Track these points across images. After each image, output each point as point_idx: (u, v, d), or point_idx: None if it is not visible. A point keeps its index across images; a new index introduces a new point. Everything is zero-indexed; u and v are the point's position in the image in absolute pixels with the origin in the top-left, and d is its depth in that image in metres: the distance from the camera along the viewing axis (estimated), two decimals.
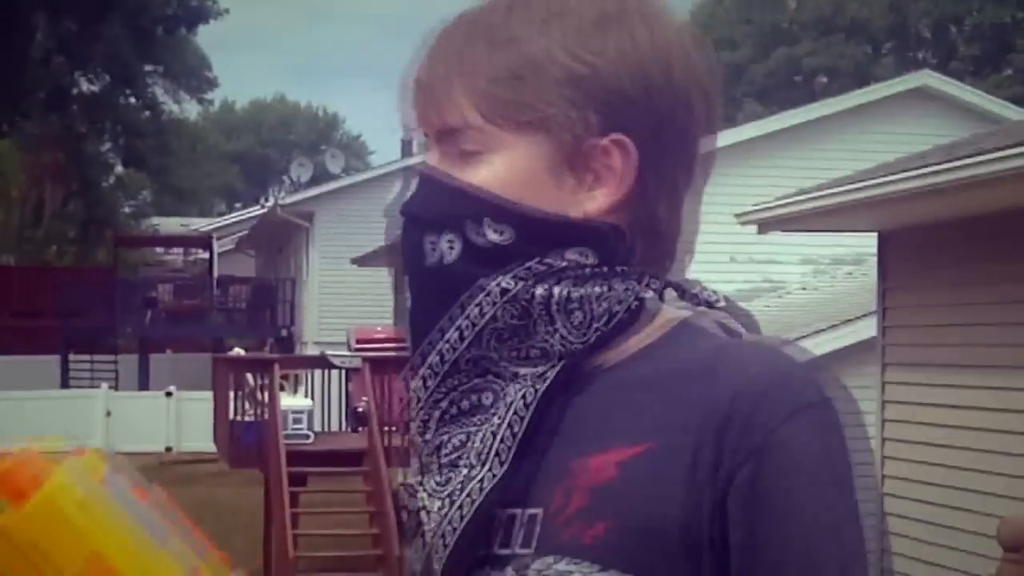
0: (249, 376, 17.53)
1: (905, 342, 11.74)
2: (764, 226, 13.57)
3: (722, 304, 1.48)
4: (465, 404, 1.44)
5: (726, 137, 20.56)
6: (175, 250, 42.93)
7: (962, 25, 53.36)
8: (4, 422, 23.75)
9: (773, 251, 18.99)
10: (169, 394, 29.47)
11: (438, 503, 1.42)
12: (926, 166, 9.84)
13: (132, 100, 37.82)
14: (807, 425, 1.33)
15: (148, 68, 37.12)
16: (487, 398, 1.43)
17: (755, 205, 13.56)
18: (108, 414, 29.22)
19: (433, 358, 1.44)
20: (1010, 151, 8.85)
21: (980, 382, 10.38)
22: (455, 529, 1.41)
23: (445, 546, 1.41)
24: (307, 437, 16.90)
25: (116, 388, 31.50)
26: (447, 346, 1.43)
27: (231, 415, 17.39)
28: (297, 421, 16.84)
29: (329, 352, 19.56)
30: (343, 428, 19.24)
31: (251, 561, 15.55)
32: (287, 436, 15.83)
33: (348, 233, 29.97)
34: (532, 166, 1.41)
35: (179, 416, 28.92)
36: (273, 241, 37.34)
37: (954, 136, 15.16)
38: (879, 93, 20.89)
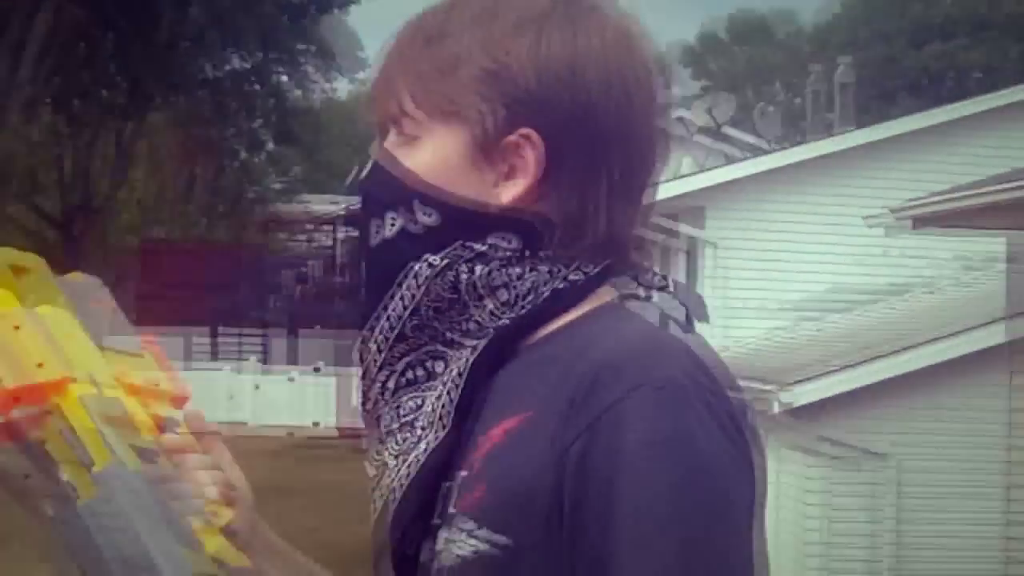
0: None
1: None
2: (919, 222, 13.30)
3: (669, 288, 1.56)
4: (420, 371, 1.55)
5: (879, 131, 20.19)
6: (326, 227, 43.32)
7: None
8: None
9: (927, 246, 18.60)
10: (317, 370, 29.70)
11: (392, 460, 1.55)
12: None
13: (284, 78, 38.18)
14: (640, 404, 1.34)
15: (300, 46, 37.37)
16: (439, 366, 1.54)
17: (910, 201, 13.27)
18: (256, 388, 29.52)
19: (382, 323, 1.55)
20: None
21: None
22: (402, 486, 1.52)
23: (394, 500, 1.53)
24: None
25: (265, 363, 31.83)
26: (394, 315, 1.54)
27: None
28: None
29: None
30: None
31: None
32: None
33: None
34: (453, 155, 1.51)
35: (327, 392, 29.12)
36: None
37: None
38: None
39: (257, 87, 36.91)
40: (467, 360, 1.51)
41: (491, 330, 1.51)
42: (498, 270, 1.50)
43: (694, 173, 21.45)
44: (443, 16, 1.54)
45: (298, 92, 39.92)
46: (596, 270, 1.52)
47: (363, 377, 1.58)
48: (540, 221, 1.50)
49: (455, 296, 1.51)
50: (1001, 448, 15.23)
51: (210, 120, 35.79)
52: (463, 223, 1.51)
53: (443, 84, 1.50)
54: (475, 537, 1.40)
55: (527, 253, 1.50)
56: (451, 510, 1.46)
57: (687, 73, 75.08)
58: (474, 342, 1.52)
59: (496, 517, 1.39)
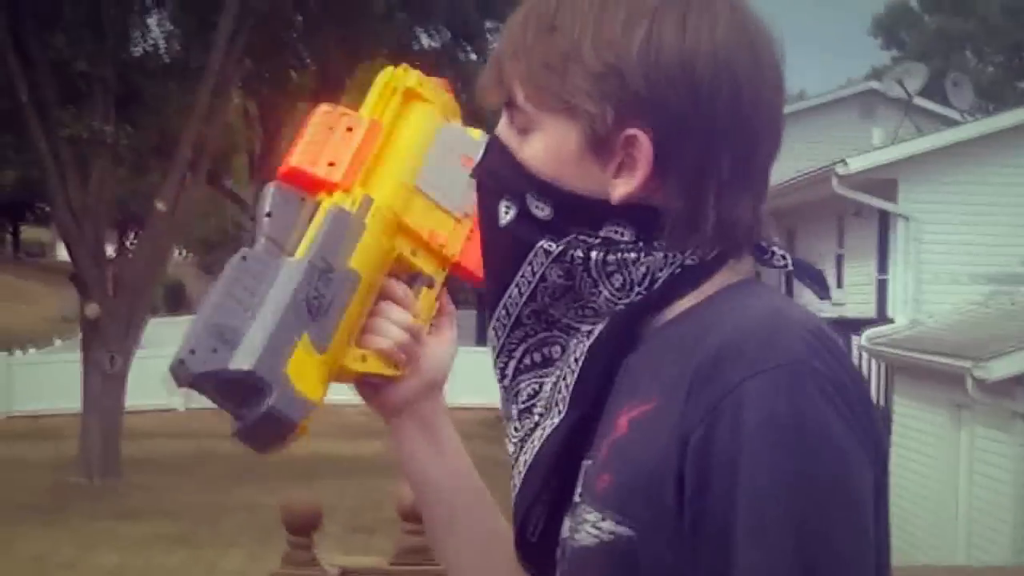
0: None
1: None
2: None
3: (790, 267, 1.55)
4: (537, 356, 1.57)
5: None
6: None
7: None
8: None
9: None
10: None
11: (511, 447, 1.57)
12: None
13: (472, 57, 38.38)
14: (757, 389, 1.32)
15: (489, 25, 37.55)
16: (556, 351, 1.55)
17: None
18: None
19: (500, 311, 1.57)
20: None
21: None
22: (521, 473, 1.55)
23: (514, 488, 1.55)
24: None
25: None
26: (509, 300, 1.56)
27: None
28: None
29: None
30: None
31: None
32: None
33: None
34: (564, 151, 1.49)
35: None
36: None
37: None
38: None
39: (446, 66, 37.18)
40: (584, 345, 1.52)
41: (607, 316, 1.51)
42: (613, 255, 1.48)
43: (886, 146, 21.16)
44: (554, 6, 1.50)
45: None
46: (713, 254, 1.49)
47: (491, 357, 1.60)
48: (652, 213, 1.48)
49: (570, 283, 1.50)
50: None
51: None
52: (576, 217, 1.50)
53: (553, 81, 1.48)
54: (598, 527, 1.40)
55: (641, 243, 1.48)
56: (576, 499, 1.47)
57: (876, 44, 74.05)
58: (589, 327, 1.52)
59: (621, 506, 1.38)
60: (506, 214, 1.53)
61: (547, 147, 1.50)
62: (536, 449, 1.53)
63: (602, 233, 1.49)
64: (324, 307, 1.59)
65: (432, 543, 1.78)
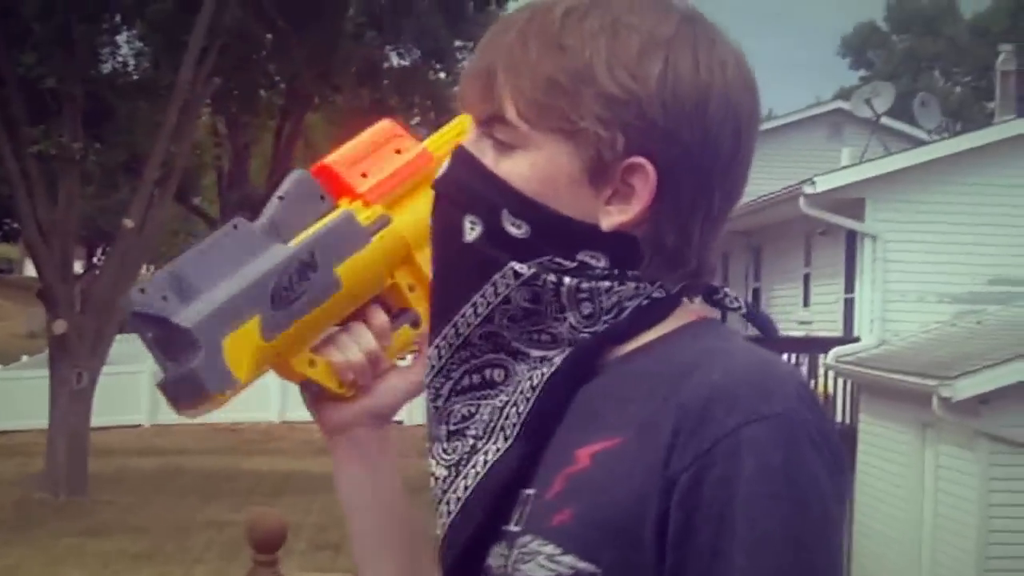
0: None
1: None
2: None
3: (742, 309, 1.56)
4: (476, 378, 1.51)
5: None
6: None
7: None
8: None
9: None
10: None
11: (443, 471, 1.52)
12: None
13: (442, 75, 38.37)
14: (753, 437, 1.32)
15: (458, 44, 37.56)
16: (498, 375, 1.50)
17: None
18: None
19: (448, 330, 1.51)
20: None
21: None
22: (459, 499, 1.49)
23: (449, 513, 1.50)
24: None
25: None
26: (462, 320, 1.50)
27: None
28: None
29: None
30: None
31: None
32: None
33: None
34: (555, 170, 1.45)
35: None
36: None
37: None
38: None
39: (415, 85, 37.15)
40: (543, 373, 1.47)
41: (567, 343, 1.47)
42: (587, 283, 1.45)
43: (853, 165, 21.25)
44: (558, 23, 1.46)
45: (456, 90, 39.96)
46: (677, 289, 1.49)
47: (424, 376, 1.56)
48: (632, 244, 1.46)
49: (535, 307, 1.46)
50: None
51: (368, 119, 36.08)
52: (555, 239, 1.46)
53: (559, 101, 1.44)
54: (556, 561, 1.37)
55: (616, 272, 1.46)
56: (511, 527, 1.44)
57: (845, 63, 74.34)
58: (543, 353, 1.48)
59: (586, 544, 1.35)
60: (472, 230, 1.48)
61: (536, 166, 1.45)
62: (480, 475, 1.49)
63: (579, 257, 1.46)
64: (289, 299, 1.58)
65: (357, 563, 1.74)
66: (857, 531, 18.75)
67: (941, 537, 16.42)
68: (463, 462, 1.51)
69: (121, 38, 27.12)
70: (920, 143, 23.99)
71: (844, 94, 42.76)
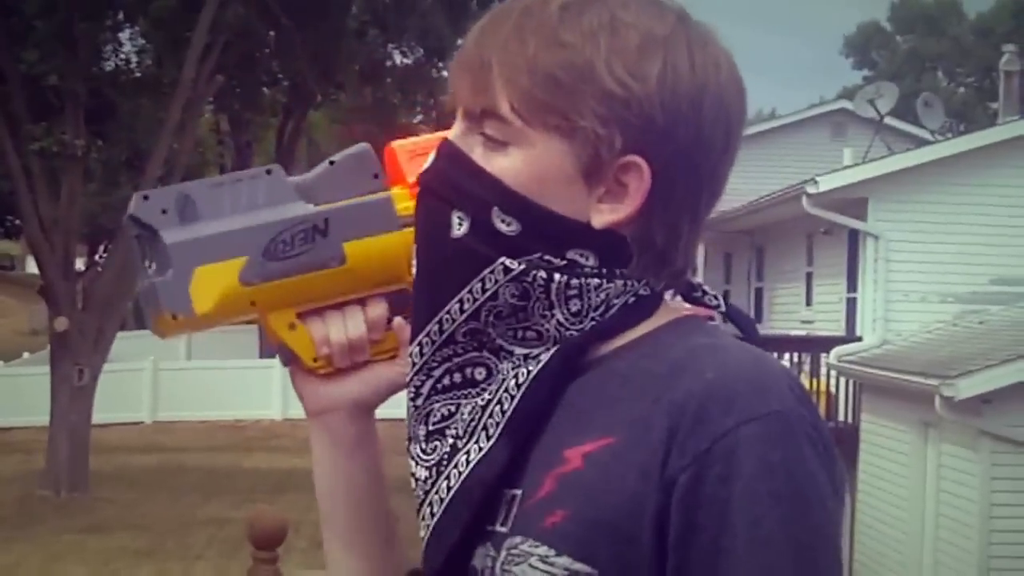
0: None
1: None
2: None
3: (721, 307, 1.55)
4: (458, 377, 1.49)
5: None
6: None
7: None
8: None
9: None
10: None
11: (424, 472, 1.50)
12: None
13: (445, 74, 38.42)
14: (752, 436, 1.32)
15: (461, 42, 37.59)
16: (480, 373, 1.49)
17: None
18: None
19: (432, 327, 1.49)
20: None
21: None
22: (442, 499, 1.47)
23: (432, 515, 1.48)
24: None
25: None
26: (447, 316, 1.48)
27: None
28: None
29: None
30: None
31: None
32: None
33: None
34: (548, 168, 1.43)
35: None
36: None
37: None
38: None
39: (418, 83, 37.18)
40: (528, 371, 1.46)
41: (553, 341, 1.46)
42: (577, 280, 1.44)
43: (856, 165, 21.25)
44: (556, 18, 1.43)
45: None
46: (662, 285, 1.48)
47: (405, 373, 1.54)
48: (621, 242, 1.45)
49: (523, 303, 1.45)
50: None
51: (371, 117, 36.10)
52: (545, 236, 1.44)
53: (556, 98, 1.42)
54: (550, 563, 1.36)
55: (604, 271, 1.45)
56: (497, 528, 1.43)
57: (848, 63, 74.33)
58: (527, 351, 1.47)
59: (580, 545, 1.35)
60: (459, 225, 1.46)
61: (529, 162, 1.43)
62: (463, 475, 1.47)
63: (568, 255, 1.44)
64: (284, 254, 1.56)
65: (325, 551, 1.71)
66: (859, 530, 18.75)
67: (943, 537, 16.41)
68: (445, 462, 1.49)
69: (124, 35, 27.21)
70: (923, 143, 23.97)
71: (847, 94, 42.77)
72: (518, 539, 1.39)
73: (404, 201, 1.63)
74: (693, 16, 1.49)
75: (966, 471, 15.71)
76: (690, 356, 1.40)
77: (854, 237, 20.26)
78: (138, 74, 26.88)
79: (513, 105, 1.43)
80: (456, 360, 1.49)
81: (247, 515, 8.83)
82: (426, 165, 1.51)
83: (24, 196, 22.76)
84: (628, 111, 1.42)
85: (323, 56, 28.48)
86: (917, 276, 19.50)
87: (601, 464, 1.37)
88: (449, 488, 1.47)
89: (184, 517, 20.39)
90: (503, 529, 1.42)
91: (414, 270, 1.52)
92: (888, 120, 26.47)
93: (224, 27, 23.87)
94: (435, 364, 1.50)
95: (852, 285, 20.49)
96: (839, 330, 20.67)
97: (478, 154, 1.46)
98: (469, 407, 1.49)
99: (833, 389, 19.52)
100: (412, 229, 1.56)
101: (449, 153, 1.49)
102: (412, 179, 1.62)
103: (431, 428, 1.50)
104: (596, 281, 1.45)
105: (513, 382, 1.46)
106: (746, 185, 24.34)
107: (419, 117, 41.07)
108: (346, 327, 1.64)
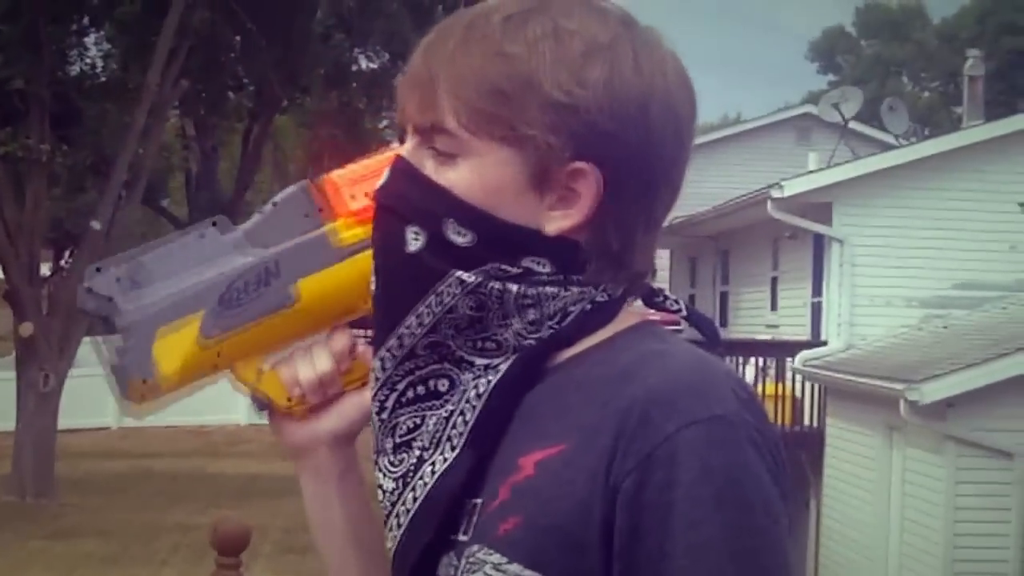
0: None
1: None
2: None
3: (682, 312, 1.56)
4: (421, 389, 1.51)
5: (1008, 125, 19.98)
6: None
7: None
8: None
9: None
10: None
11: (391, 483, 1.52)
12: None
13: None
14: (693, 440, 1.32)
15: None
16: (443, 385, 1.50)
17: None
18: None
19: (392, 341, 1.50)
20: None
21: None
22: (408, 510, 1.49)
23: (399, 525, 1.50)
24: None
25: None
26: (406, 331, 1.49)
27: None
28: None
29: None
30: None
31: None
32: None
33: None
34: (499, 178, 1.44)
35: None
36: None
37: None
38: None
39: (383, 88, 37.14)
40: (488, 381, 1.47)
41: (512, 350, 1.47)
42: (532, 289, 1.45)
43: (821, 169, 21.32)
44: (499, 30, 1.45)
45: None
46: (620, 292, 1.49)
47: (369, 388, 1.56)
48: (575, 248, 1.46)
49: (480, 314, 1.46)
50: None
51: (337, 121, 36.02)
52: (500, 246, 1.45)
53: (503, 109, 1.43)
54: (502, 570, 1.37)
55: (561, 277, 1.46)
56: (459, 536, 1.44)
57: (813, 68, 74.56)
58: (487, 361, 1.48)
59: (531, 552, 1.36)
60: (415, 240, 1.47)
61: (480, 174, 1.44)
62: (429, 486, 1.48)
63: (523, 263, 1.45)
64: (239, 301, 1.57)
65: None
66: (824, 534, 18.80)
67: (908, 540, 16.47)
68: (410, 474, 1.50)
69: (89, 40, 27.05)
70: (888, 148, 24.07)
71: (812, 98, 42.86)
72: (475, 547, 1.40)
73: (350, 230, 1.64)
74: (642, 20, 1.51)
75: (931, 475, 15.77)
76: (638, 362, 1.41)
77: (819, 241, 20.32)
78: (103, 79, 26.73)
79: (460, 118, 1.44)
80: (418, 373, 1.51)
81: (211, 520, 8.82)
82: (380, 182, 1.53)
83: None
84: (574, 118, 1.42)
85: (288, 61, 28.40)
86: (882, 280, 19.58)
87: (552, 471, 1.38)
88: (415, 499, 1.49)
89: (150, 523, 20.30)
90: (464, 538, 1.43)
91: (372, 287, 1.53)
92: (853, 125, 26.60)
93: (189, 32, 23.79)
94: (398, 378, 1.51)
95: (817, 289, 20.55)
96: (804, 334, 20.73)
97: (429, 168, 1.48)
98: (434, 419, 1.50)
99: (798, 393, 19.57)
100: (360, 256, 1.60)
101: (401, 169, 1.50)
102: (355, 206, 1.63)
103: (398, 441, 1.52)
104: (552, 289, 1.46)
105: (474, 392, 1.48)
106: (711, 190, 24.42)
107: (385, 122, 41.05)
108: (314, 364, 1.65)
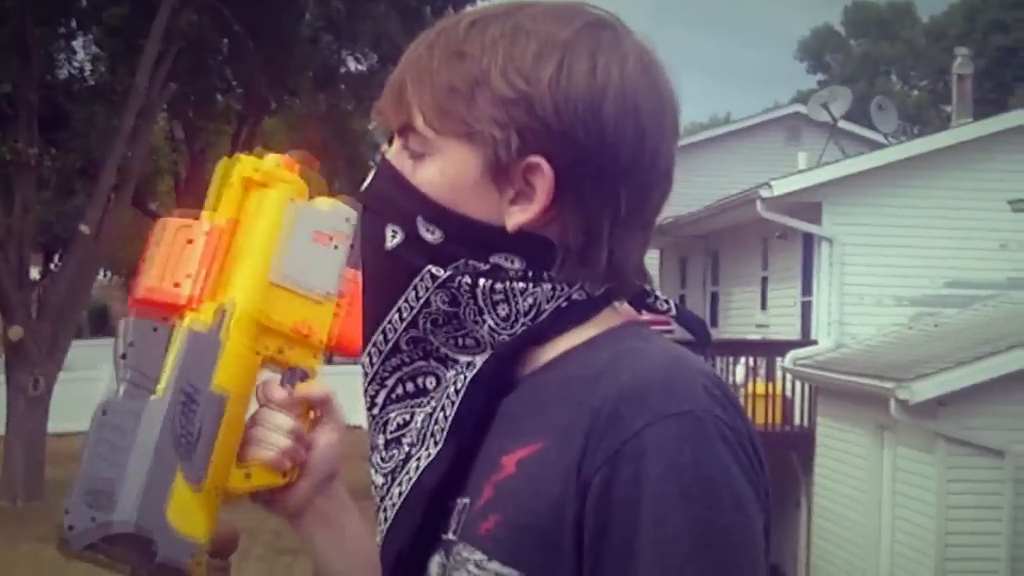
0: None
1: None
2: None
3: (672, 312, 1.57)
4: (410, 386, 1.55)
5: (997, 123, 20.00)
6: None
7: None
8: None
9: None
10: None
11: (380, 479, 1.55)
12: None
13: None
14: (661, 436, 1.33)
15: None
16: (431, 382, 1.54)
17: None
18: None
19: (377, 336, 1.55)
20: None
21: None
22: (394, 504, 1.53)
23: (386, 519, 1.54)
24: None
25: None
26: (389, 325, 1.54)
27: None
28: None
29: None
30: None
31: None
32: None
33: None
34: (461, 176, 1.48)
35: None
36: None
37: None
38: None
39: (372, 90, 37.13)
40: (464, 377, 1.51)
41: (489, 347, 1.50)
42: (501, 284, 1.48)
43: (810, 168, 21.33)
44: (462, 34, 1.50)
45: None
46: (599, 292, 1.50)
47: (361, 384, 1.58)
48: (544, 245, 1.48)
49: (454, 310, 1.50)
50: None
51: (325, 124, 36.02)
52: (467, 242, 1.49)
53: (457, 106, 1.48)
54: (483, 568, 1.39)
55: (531, 274, 1.49)
56: (448, 536, 1.46)
57: (802, 67, 74.62)
58: (469, 358, 1.51)
59: (510, 551, 1.38)
60: (393, 238, 1.52)
61: (443, 172, 1.49)
62: (412, 481, 1.51)
63: (492, 260, 1.49)
64: (193, 441, 1.55)
65: None
66: (815, 533, 18.80)
67: (899, 539, 16.48)
68: (398, 469, 1.53)
69: (77, 43, 27.04)
70: (877, 147, 24.08)
71: (801, 98, 42.96)
72: (461, 546, 1.43)
73: (198, 320, 1.62)
74: (631, 21, 1.53)
75: (922, 474, 15.79)
76: (613, 360, 1.42)
77: (809, 241, 20.33)
78: (91, 82, 26.71)
79: (424, 117, 1.50)
80: (406, 369, 1.55)
81: None
82: (365, 184, 1.59)
83: None
84: (523, 114, 1.46)
85: (276, 63, 28.39)
86: (872, 279, 19.59)
87: (530, 470, 1.40)
88: (401, 494, 1.52)
89: None
90: (453, 537, 1.45)
91: (360, 285, 1.58)
92: (842, 124, 26.62)
93: (177, 35, 23.77)
94: (387, 374, 1.56)
95: (807, 289, 20.56)
96: (794, 334, 20.73)
97: (407, 168, 1.53)
98: (421, 415, 1.53)
99: (789, 393, 19.58)
100: (226, 328, 1.61)
101: (382, 169, 1.56)
102: (182, 301, 1.62)
103: (389, 437, 1.56)
104: (521, 285, 1.48)
105: (453, 388, 1.51)
106: (701, 190, 24.41)
107: (373, 124, 40.99)
108: (277, 427, 1.67)
